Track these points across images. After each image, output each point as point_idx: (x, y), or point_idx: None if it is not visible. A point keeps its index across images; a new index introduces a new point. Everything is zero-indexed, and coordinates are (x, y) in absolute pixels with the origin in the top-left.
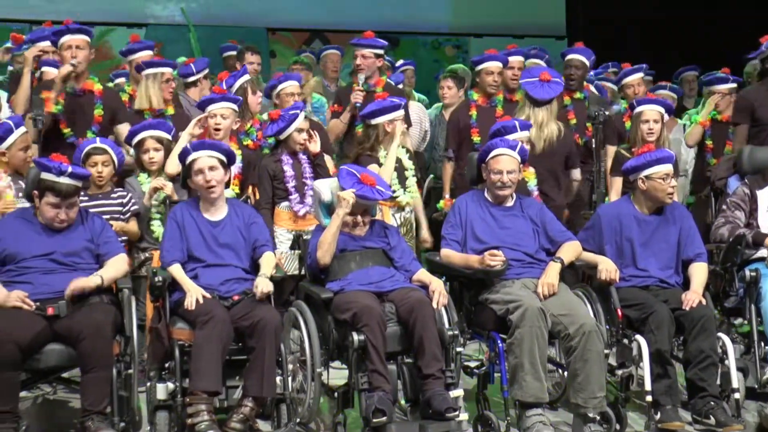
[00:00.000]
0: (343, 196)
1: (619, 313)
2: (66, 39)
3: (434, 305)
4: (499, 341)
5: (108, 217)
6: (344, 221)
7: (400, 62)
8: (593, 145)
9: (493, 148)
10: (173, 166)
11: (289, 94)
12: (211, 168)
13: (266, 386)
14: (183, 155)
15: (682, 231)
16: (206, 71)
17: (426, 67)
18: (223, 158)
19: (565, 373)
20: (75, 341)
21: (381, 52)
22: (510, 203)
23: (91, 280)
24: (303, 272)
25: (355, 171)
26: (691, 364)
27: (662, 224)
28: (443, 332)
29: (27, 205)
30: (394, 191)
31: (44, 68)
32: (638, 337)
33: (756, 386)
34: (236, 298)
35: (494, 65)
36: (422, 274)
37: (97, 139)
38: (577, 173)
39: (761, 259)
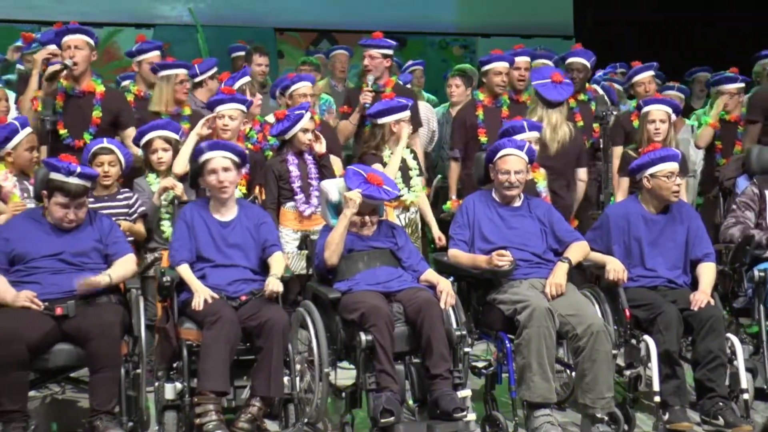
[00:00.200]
0: (349, 197)
1: (627, 313)
2: (65, 39)
3: (442, 305)
4: (506, 341)
5: (114, 219)
6: (352, 221)
7: (409, 62)
8: (600, 146)
9: (500, 148)
10: (181, 166)
11: (301, 95)
12: (225, 169)
13: (274, 386)
14: (197, 154)
15: (690, 231)
16: (212, 72)
17: (434, 67)
18: (237, 160)
19: (573, 374)
20: (83, 341)
21: (389, 52)
22: (517, 203)
23: (102, 278)
24: (310, 272)
25: (361, 171)
26: (699, 364)
27: (670, 223)
28: (451, 332)
29: (32, 205)
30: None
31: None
32: (646, 337)
33: (765, 387)
34: (244, 298)
35: (502, 66)
36: (430, 275)
37: (105, 139)
38: (583, 173)
39: None
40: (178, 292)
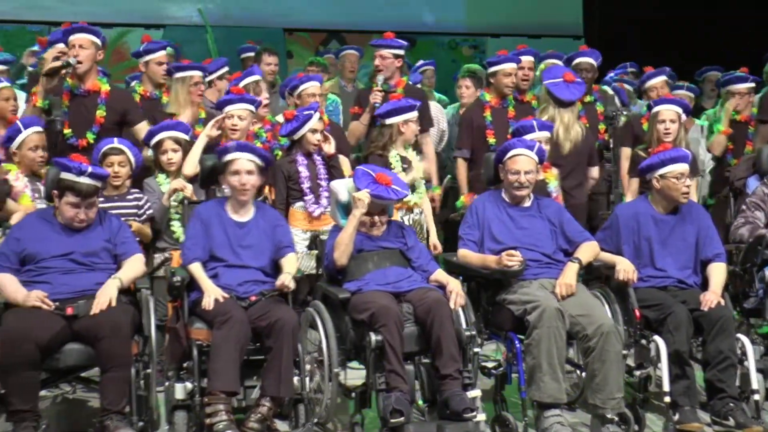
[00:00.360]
0: (358, 197)
1: (637, 313)
2: (71, 38)
3: (452, 305)
4: (516, 342)
5: (123, 219)
6: (361, 221)
7: (420, 62)
8: (608, 146)
9: (510, 149)
10: (191, 167)
11: (310, 95)
12: (248, 171)
13: (284, 386)
14: (223, 152)
15: (700, 231)
16: (221, 72)
17: (443, 67)
18: (261, 164)
19: (583, 374)
20: (94, 341)
21: (401, 52)
22: (527, 204)
23: (113, 287)
24: (320, 272)
25: (370, 171)
26: (709, 365)
27: (680, 224)
28: (461, 332)
29: (43, 206)
30: None
31: None
32: (656, 337)
33: None
34: (253, 298)
35: (511, 66)
36: (439, 275)
37: (115, 139)
38: (595, 171)
39: None
40: (189, 291)
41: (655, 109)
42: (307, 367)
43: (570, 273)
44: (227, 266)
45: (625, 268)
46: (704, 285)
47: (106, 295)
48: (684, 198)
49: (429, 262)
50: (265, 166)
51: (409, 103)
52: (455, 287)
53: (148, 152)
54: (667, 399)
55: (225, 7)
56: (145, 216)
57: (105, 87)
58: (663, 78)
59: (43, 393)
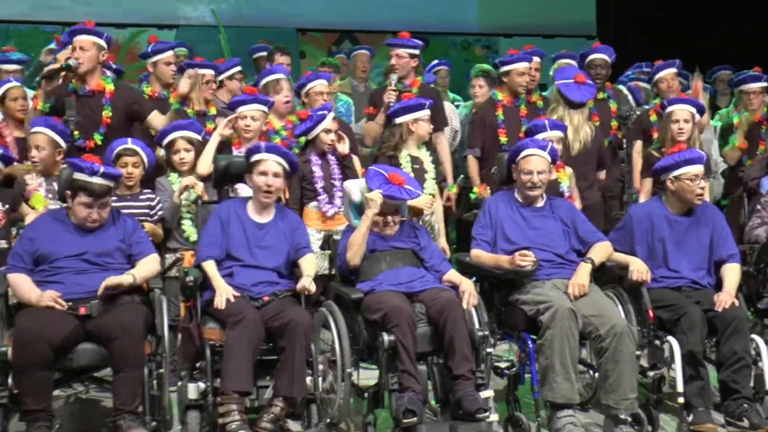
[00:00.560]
0: (370, 197)
1: (651, 314)
2: (74, 39)
3: (464, 306)
4: (529, 342)
5: (135, 219)
6: (374, 221)
7: (434, 62)
8: (621, 145)
9: (523, 148)
10: (205, 166)
11: (318, 93)
12: (275, 174)
13: (296, 386)
14: (251, 151)
15: (715, 231)
16: (232, 72)
17: (456, 67)
18: (288, 169)
19: (596, 375)
20: (107, 341)
21: (416, 52)
22: (540, 204)
23: (125, 278)
24: (333, 272)
25: (382, 171)
26: (723, 365)
27: (694, 225)
28: (473, 333)
29: (56, 206)
30: None
31: None
32: (670, 338)
33: None
34: (266, 298)
35: (524, 66)
36: (452, 275)
37: (129, 140)
38: (601, 175)
39: None
40: (202, 291)
41: (669, 109)
42: (320, 367)
43: (583, 273)
44: (243, 266)
45: (638, 269)
46: (718, 286)
47: (116, 279)
48: (698, 199)
49: (442, 262)
50: (291, 171)
51: (417, 101)
52: (468, 287)
53: (161, 152)
54: (681, 400)
55: (238, 7)
56: (156, 216)
57: (109, 87)
58: (673, 70)
59: (56, 393)
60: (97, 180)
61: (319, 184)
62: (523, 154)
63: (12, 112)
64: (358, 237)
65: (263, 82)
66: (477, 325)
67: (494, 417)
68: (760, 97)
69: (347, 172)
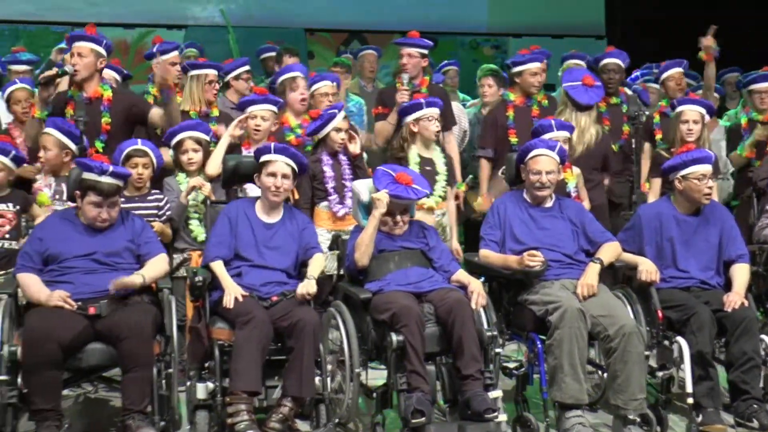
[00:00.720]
0: (377, 197)
1: (660, 314)
2: (73, 45)
3: (473, 306)
4: (538, 342)
5: (144, 219)
6: (383, 221)
7: (444, 62)
8: (631, 148)
9: (532, 149)
10: (214, 167)
11: (323, 94)
12: (284, 175)
13: (305, 386)
14: (261, 152)
15: (723, 231)
16: (237, 72)
17: (465, 67)
18: (297, 169)
19: (605, 375)
20: (116, 341)
21: (425, 51)
22: (549, 204)
23: (134, 278)
24: (341, 272)
25: (390, 171)
26: (733, 366)
27: (702, 225)
28: (482, 333)
29: (60, 207)
30: None
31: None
32: (679, 338)
33: None
34: (275, 298)
35: (537, 66)
36: (461, 275)
37: (138, 141)
38: (607, 179)
39: None
40: (210, 291)
41: (679, 109)
42: (329, 367)
43: (591, 273)
44: (251, 266)
45: (647, 269)
46: (727, 286)
47: (126, 278)
48: (706, 199)
49: (450, 263)
50: (300, 171)
51: (417, 101)
52: (477, 287)
53: (169, 152)
54: (690, 400)
55: (247, 7)
56: (165, 216)
57: (107, 93)
58: (680, 69)
59: (65, 392)
60: (106, 179)
61: (330, 184)
62: (531, 154)
63: (17, 114)
64: (366, 237)
65: (280, 79)
66: (486, 326)
67: (503, 417)
68: None
69: (358, 173)
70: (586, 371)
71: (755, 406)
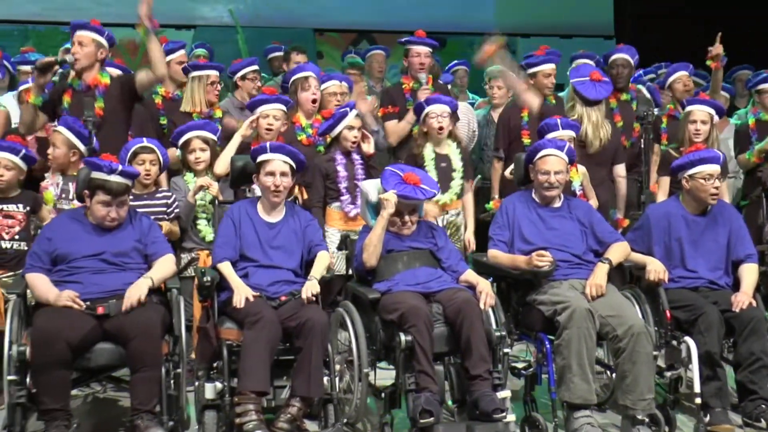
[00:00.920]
0: (384, 198)
1: (668, 314)
2: (75, 34)
3: (481, 306)
4: (546, 342)
5: (152, 217)
6: (391, 221)
7: (453, 62)
8: (641, 146)
9: (540, 149)
10: (223, 166)
11: (332, 94)
12: (283, 173)
13: (313, 386)
14: (258, 152)
15: (732, 232)
16: (243, 72)
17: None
18: (295, 167)
19: (614, 375)
20: (124, 340)
21: (431, 51)
22: (557, 204)
23: (144, 285)
24: (350, 272)
25: (398, 171)
26: (741, 366)
27: (711, 224)
28: (490, 333)
29: (66, 207)
30: None
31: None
32: (687, 338)
33: None
34: (283, 298)
35: (551, 67)
36: (469, 275)
37: (144, 139)
38: (621, 169)
39: None
40: (219, 291)
41: (688, 109)
42: (337, 367)
43: (600, 273)
44: (258, 266)
45: (655, 269)
46: (735, 286)
47: (137, 292)
48: (713, 199)
49: (459, 263)
50: (298, 168)
51: (428, 98)
52: (485, 287)
53: (176, 152)
54: (698, 400)
55: (255, 7)
56: (173, 215)
57: (105, 80)
58: (685, 72)
59: (74, 392)
60: (115, 178)
61: (343, 184)
62: (540, 154)
63: None
64: (374, 238)
65: (292, 78)
66: (494, 326)
67: (511, 417)
68: None
69: (372, 172)
70: (595, 371)
71: (763, 406)
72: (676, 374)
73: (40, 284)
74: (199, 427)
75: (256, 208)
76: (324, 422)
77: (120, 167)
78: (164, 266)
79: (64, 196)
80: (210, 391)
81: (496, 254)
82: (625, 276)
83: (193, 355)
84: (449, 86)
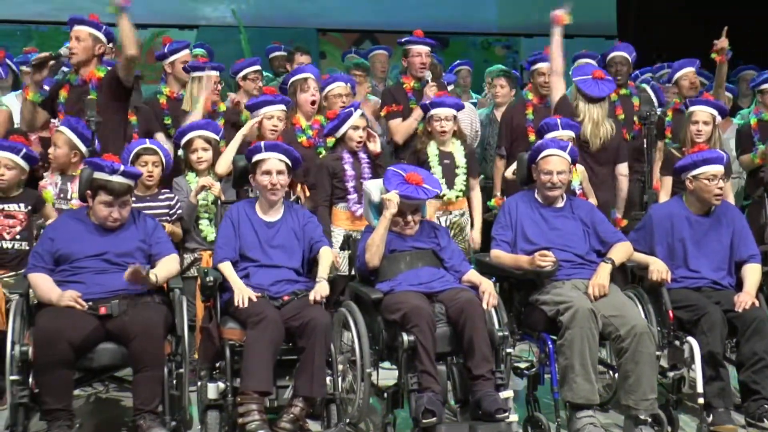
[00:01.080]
0: (387, 198)
1: (671, 314)
2: (72, 29)
3: (484, 306)
4: (549, 342)
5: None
6: (394, 221)
7: (456, 62)
8: (643, 144)
9: (543, 149)
10: (224, 166)
11: (336, 95)
12: (279, 171)
13: (316, 386)
14: (252, 151)
15: (735, 232)
16: (245, 72)
17: (476, 67)
18: (290, 164)
19: (616, 375)
20: (127, 340)
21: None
22: (560, 204)
23: (150, 276)
24: (353, 272)
25: (400, 171)
26: (744, 366)
27: (714, 225)
28: (493, 333)
29: (65, 207)
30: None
31: None
32: (690, 338)
33: None
34: (286, 298)
35: (546, 66)
36: (472, 275)
37: (147, 140)
38: (623, 167)
39: None
40: (221, 292)
41: (691, 109)
42: (340, 367)
43: (603, 273)
44: (258, 266)
45: (658, 269)
46: (738, 286)
47: (143, 270)
48: (716, 200)
49: (461, 263)
50: (294, 166)
51: (435, 99)
52: (488, 287)
53: (178, 152)
54: (701, 400)
55: (258, 7)
56: (175, 216)
57: (99, 74)
58: (692, 69)
59: (76, 392)
60: (117, 179)
61: (350, 183)
62: (543, 154)
63: None
64: (377, 238)
65: (291, 80)
66: (497, 326)
67: (514, 417)
68: None
69: (379, 171)
70: (597, 371)
71: (766, 406)
72: (678, 374)
73: (43, 284)
74: (202, 427)
75: (254, 208)
76: (327, 422)
77: (122, 167)
78: (168, 265)
79: (62, 195)
80: (212, 391)
81: (498, 254)
82: (628, 276)
83: (195, 355)
84: (452, 86)
